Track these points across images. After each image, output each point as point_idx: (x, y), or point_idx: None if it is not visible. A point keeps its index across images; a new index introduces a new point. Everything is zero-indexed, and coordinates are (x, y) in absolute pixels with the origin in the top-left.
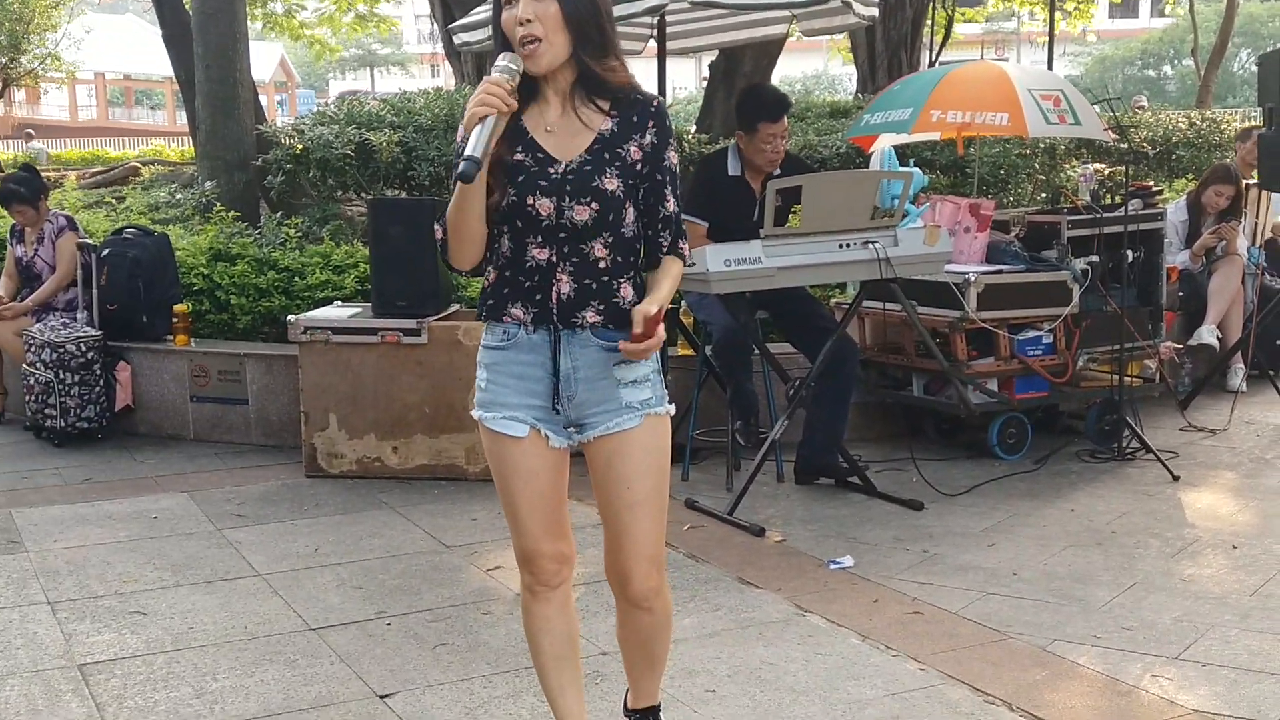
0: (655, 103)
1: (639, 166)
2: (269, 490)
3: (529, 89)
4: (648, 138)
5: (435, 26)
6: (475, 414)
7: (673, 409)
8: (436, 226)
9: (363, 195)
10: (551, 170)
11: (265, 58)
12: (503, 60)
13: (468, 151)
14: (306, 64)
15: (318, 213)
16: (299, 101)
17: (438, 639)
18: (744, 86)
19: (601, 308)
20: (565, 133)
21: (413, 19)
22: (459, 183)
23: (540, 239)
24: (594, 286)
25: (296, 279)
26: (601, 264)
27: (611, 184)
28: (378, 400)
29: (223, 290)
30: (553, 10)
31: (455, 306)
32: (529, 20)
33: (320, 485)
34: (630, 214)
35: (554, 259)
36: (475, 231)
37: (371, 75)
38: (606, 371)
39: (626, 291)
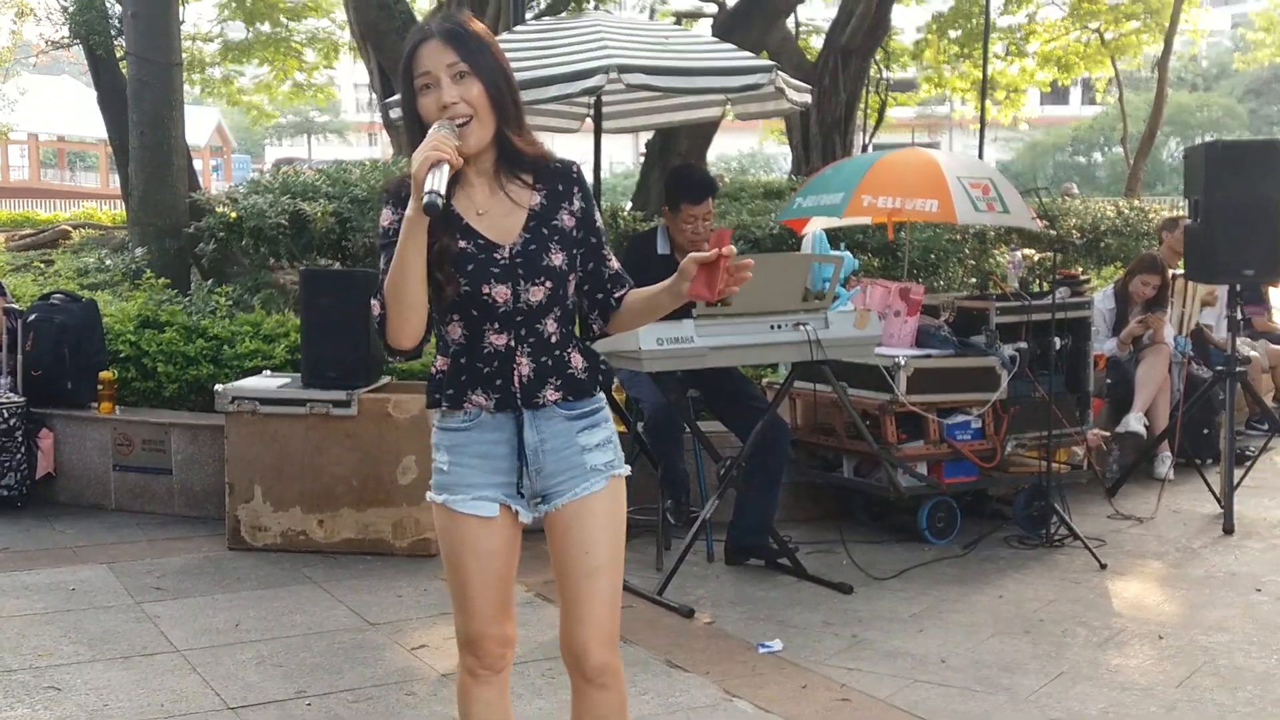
0: (575, 168)
1: (575, 233)
2: (190, 563)
3: (452, 176)
4: (576, 203)
5: (373, 96)
6: (435, 497)
7: (628, 470)
8: (374, 302)
9: (295, 264)
10: (498, 255)
11: (202, 122)
12: (439, 126)
13: (429, 187)
14: (243, 129)
15: (249, 281)
16: (235, 166)
17: None
18: (674, 166)
19: (559, 383)
20: (498, 214)
21: (351, 88)
22: (426, 214)
23: (498, 325)
24: (549, 363)
25: (226, 347)
26: (554, 339)
27: (558, 259)
28: (305, 472)
29: (150, 358)
30: (476, 90)
31: (386, 379)
32: (455, 103)
33: (243, 559)
34: (572, 284)
35: (512, 343)
36: (418, 298)
37: (309, 142)
38: (571, 440)
39: (577, 360)
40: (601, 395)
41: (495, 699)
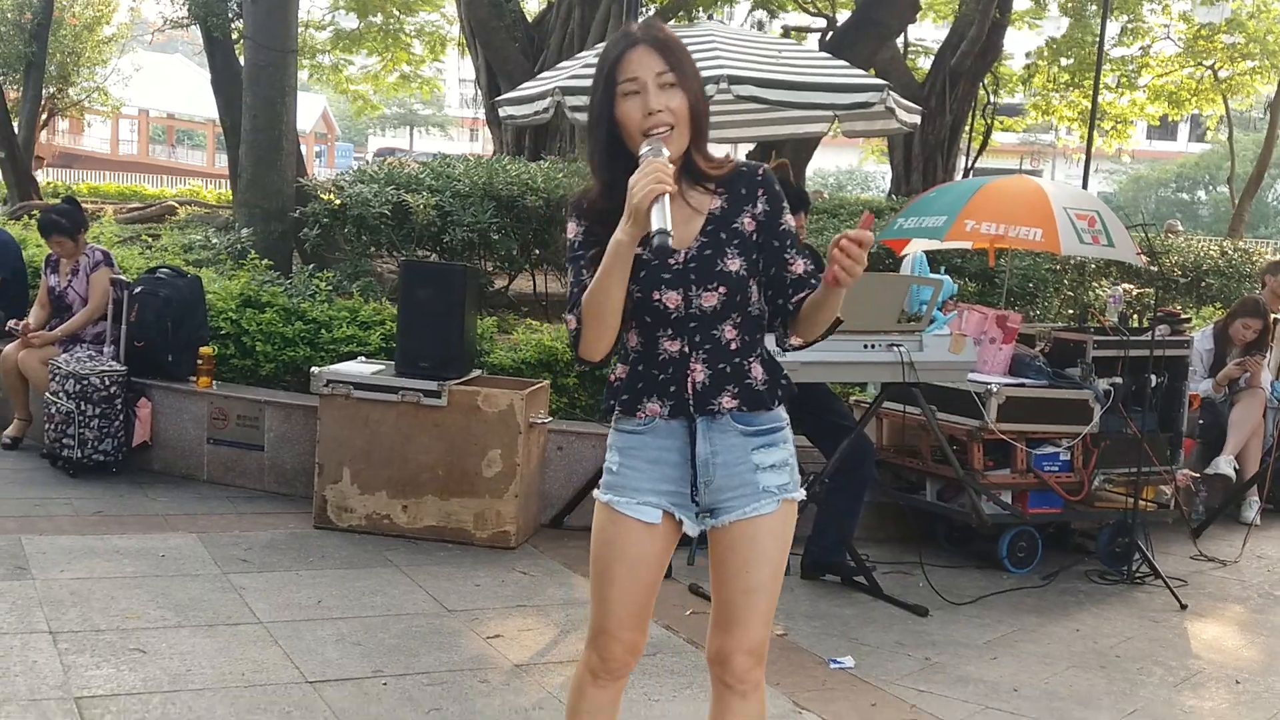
0: (761, 171)
1: (755, 237)
2: (277, 538)
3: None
4: (759, 206)
5: (479, 93)
6: (601, 496)
7: (803, 495)
8: (569, 316)
9: (395, 254)
10: (672, 261)
11: (308, 108)
12: (650, 146)
13: (657, 226)
14: (348, 117)
15: (349, 268)
16: (337, 154)
17: (432, 703)
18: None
19: (736, 390)
20: (677, 221)
21: (456, 83)
22: (657, 256)
23: (671, 331)
24: (727, 370)
25: (323, 331)
26: (732, 346)
27: (734, 264)
28: (392, 458)
29: (249, 336)
30: (679, 101)
31: (477, 372)
32: (660, 110)
33: (328, 538)
34: (754, 291)
35: (686, 349)
36: (615, 319)
37: (411, 134)
38: (745, 456)
39: (757, 371)
40: (783, 413)
41: (607, 704)
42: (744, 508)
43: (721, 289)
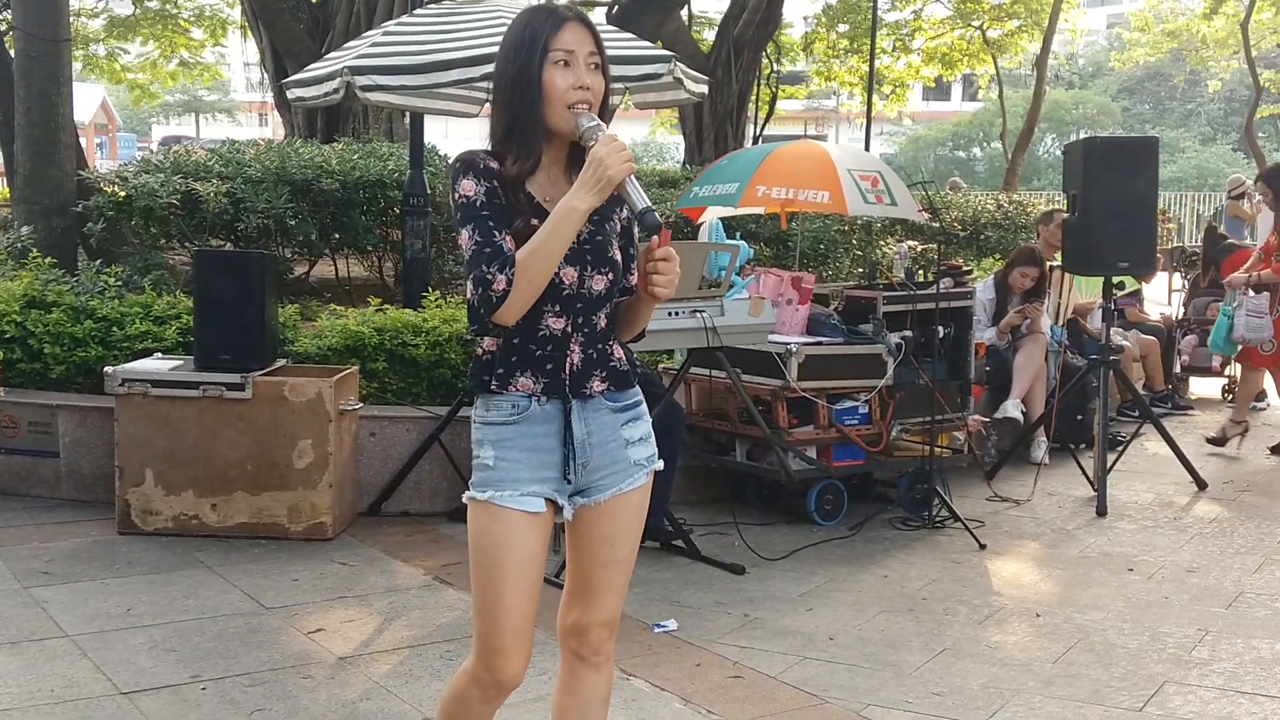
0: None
1: (619, 239)
2: (79, 547)
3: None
4: (625, 211)
5: (265, 76)
6: (478, 495)
7: (662, 464)
8: (497, 275)
9: (187, 246)
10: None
11: (86, 99)
12: (592, 121)
13: (643, 205)
14: (128, 106)
15: (139, 262)
16: (120, 144)
17: (255, 704)
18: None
19: (604, 374)
20: (555, 197)
21: (241, 67)
22: (649, 231)
23: (559, 308)
24: (595, 355)
25: (115, 329)
26: (603, 331)
27: (617, 255)
28: (197, 456)
29: (35, 338)
30: (599, 85)
31: (282, 362)
32: (588, 88)
33: (134, 543)
34: (619, 282)
35: (569, 329)
36: (545, 283)
37: (197, 121)
38: (616, 432)
39: (618, 352)
40: (639, 389)
41: (489, 717)
42: (619, 484)
43: (609, 274)
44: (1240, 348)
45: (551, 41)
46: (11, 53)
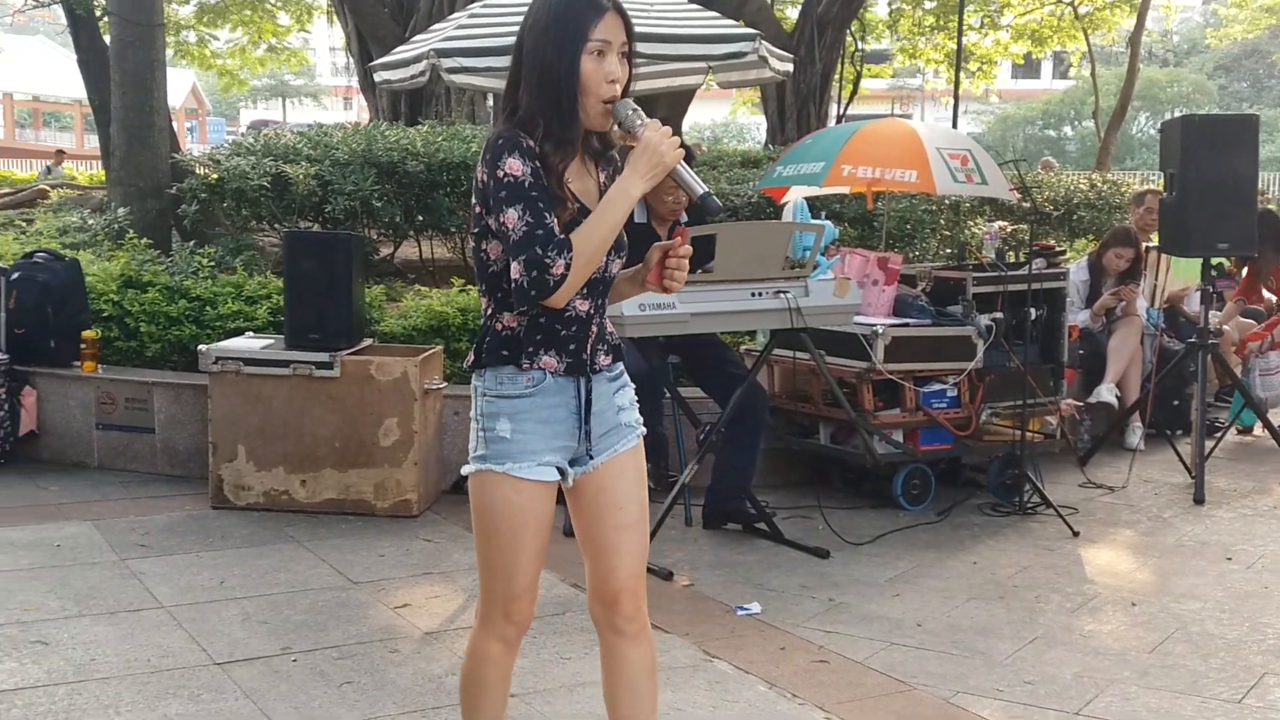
0: (619, 160)
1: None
2: (174, 521)
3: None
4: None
5: (350, 60)
6: (495, 466)
7: (645, 430)
8: (560, 260)
9: (276, 227)
10: None
11: (177, 84)
12: (631, 109)
13: (701, 190)
14: (217, 91)
15: (231, 243)
16: (210, 129)
17: (344, 677)
18: None
19: (605, 349)
20: (588, 192)
21: (327, 51)
22: (711, 211)
23: (586, 290)
24: (599, 331)
25: (208, 308)
26: (605, 310)
27: (624, 237)
28: (287, 433)
29: (132, 318)
30: (627, 76)
31: (368, 341)
32: (619, 80)
33: (226, 517)
34: None
35: (592, 310)
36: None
37: (283, 105)
38: (610, 401)
39: (610, 326)
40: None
41: (511, 666)
42: (614, 445)
43: (623, 257)
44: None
45: (591, 30)
46: (107, 38)
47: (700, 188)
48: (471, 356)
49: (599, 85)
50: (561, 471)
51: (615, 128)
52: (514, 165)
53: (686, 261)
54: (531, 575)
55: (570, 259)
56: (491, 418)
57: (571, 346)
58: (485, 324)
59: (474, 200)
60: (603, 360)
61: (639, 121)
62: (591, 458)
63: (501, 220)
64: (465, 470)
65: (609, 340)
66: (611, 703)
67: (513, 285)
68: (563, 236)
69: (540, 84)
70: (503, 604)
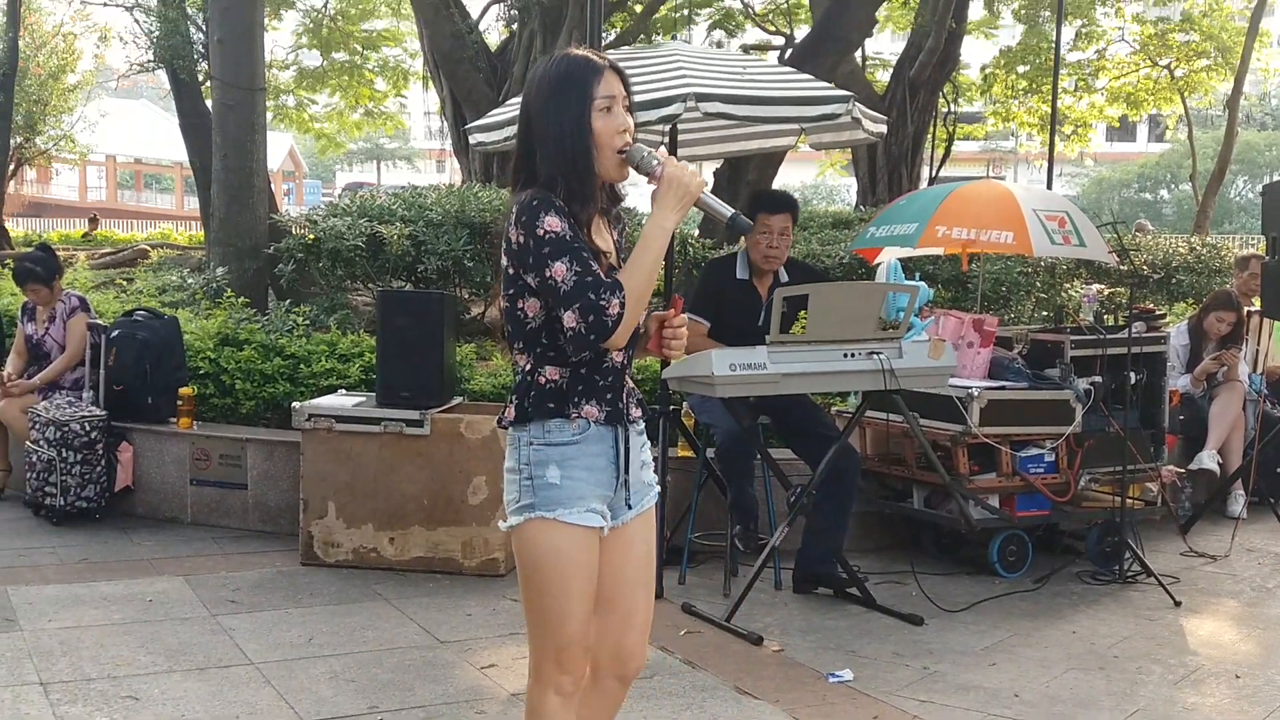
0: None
1: None
2: (264, 577)
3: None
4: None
5: (444, 124)
6: (546, 514)
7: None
8: (614, 300)
9: (370, 286)
10: None
11: (275, 146)
12: (644, 150)
13: (729, 212)
14: (314, 154)
15: (325, 302)
16: (306, 191)
17: None
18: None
19: (636, 401)
20: (609, 248)
21: (421, 115)
22: (740, 231)
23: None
24: (630, 383)
25: (302, 366)
26: (632, 363)
27: None
28: (377, 490)
29: (228, 374)
30: (632, 126)
31: (458, 399)
32: (626, 130)
33: (316, 574)
34: None
35: (624, 361)
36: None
37: (378, 168)
38: (640, 454)
39: (633, 383)
40: None
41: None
42: (643, 500)
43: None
44: None
45: (595, 90)
46: (209, 102)
47: (727, 211)
48: (512, 412)
49: (611, 137)
50: (611, 517)
51: (632, 171)
52: (553, 222)
53: (684, 330)
54: (582, 622)
55: (623, 298)
56: (540, 465)
57: (609, 396)
58: (524, 380)
59: (505, 262)
60: (634, 412)
61: (655, 161)
62: (630, 507)
63: (549, 275)
64: (507, 525)
65: (636, 394)
66: None
67: (568, 334)
68: (612, 279)
69: (556, 147)
70: (554, 653)
